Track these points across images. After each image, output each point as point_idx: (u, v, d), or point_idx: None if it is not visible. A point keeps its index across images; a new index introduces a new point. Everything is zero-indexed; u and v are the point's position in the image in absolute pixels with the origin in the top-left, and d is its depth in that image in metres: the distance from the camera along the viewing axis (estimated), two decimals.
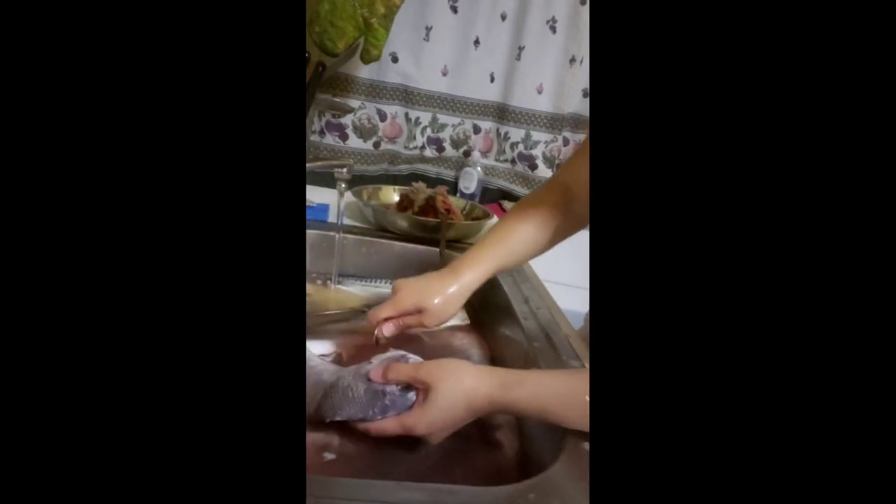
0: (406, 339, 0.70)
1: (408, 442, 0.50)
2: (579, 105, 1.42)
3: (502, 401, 0.48)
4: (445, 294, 0.62)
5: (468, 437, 0.54)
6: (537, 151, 1.41)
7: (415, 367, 0.51)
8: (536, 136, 1.40)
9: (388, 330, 0.61)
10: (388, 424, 0.49)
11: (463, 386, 0.48)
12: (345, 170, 0.78)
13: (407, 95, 1.31)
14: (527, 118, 1.39)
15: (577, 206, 0.70)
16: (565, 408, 0.47)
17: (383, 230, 1.00)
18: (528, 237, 0.70)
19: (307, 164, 0.76)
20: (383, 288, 0.93)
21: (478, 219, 1.10)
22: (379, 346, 0.63)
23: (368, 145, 1.32)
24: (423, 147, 1.38)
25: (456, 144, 1.40)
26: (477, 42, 1.30)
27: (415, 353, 0.55)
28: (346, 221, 1.00)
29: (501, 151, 1.43)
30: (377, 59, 1.10)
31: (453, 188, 1.41)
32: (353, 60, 1.18)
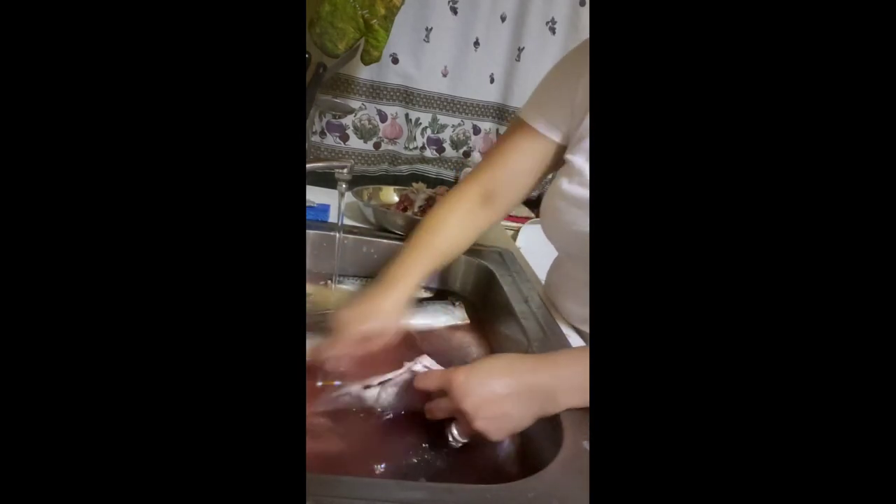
0: (404, 340, 0.71)
1: (409, 442, 0.50)
2: None
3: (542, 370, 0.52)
4: (385, 312, 0.64)
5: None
6: None
7: (442, 372, 0.52)
8: None
9: (342, 365, 0.61)
10: (431, 379, 0.51)
11: (492, 360, 0.53)
12: (345, 170, 0.78)
13: (407, 96, 1.31)
14: None
15: (499, 199, 0.75)
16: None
17: (383, 230, 1.00)
18: (453, 235, 0.74)
19: (308, 165, 0.76)
20: None
21: None
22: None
23: (369, 146, 1.32)
24: (423, 148, 1.38)
25: (456, 145, 1.40)
26: (477, 43, 1.30)
27: (414, 352, 0.55)
28: (347, 221, 1.00)
29: None
30: (377, 60, 1.10)
31: None
32: (354, 61, 1.18)
